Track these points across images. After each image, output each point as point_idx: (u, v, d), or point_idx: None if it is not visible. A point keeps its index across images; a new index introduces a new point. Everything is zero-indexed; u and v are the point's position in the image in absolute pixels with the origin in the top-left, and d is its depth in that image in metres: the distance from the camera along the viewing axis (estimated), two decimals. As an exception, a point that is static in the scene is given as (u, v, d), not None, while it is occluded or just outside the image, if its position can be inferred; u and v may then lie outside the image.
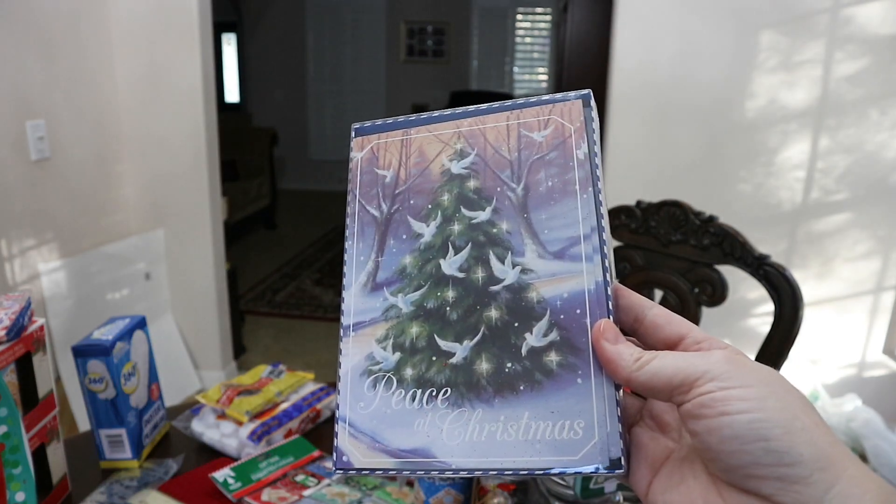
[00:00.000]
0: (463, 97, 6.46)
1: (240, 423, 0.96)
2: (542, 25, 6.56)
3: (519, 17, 6.54)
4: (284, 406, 1.01)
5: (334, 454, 0.36)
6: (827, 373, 2.25)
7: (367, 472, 0.35)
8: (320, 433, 1.02)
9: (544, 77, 6.67)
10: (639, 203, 1.26)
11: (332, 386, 1.09)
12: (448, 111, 0.43)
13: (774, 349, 1.07)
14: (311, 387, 1.07)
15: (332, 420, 1.05)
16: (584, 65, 2.52)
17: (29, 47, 2.02)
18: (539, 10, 6.50)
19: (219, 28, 3.94)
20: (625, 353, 0.33)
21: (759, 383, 0.30)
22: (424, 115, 0.43)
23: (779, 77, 2.04)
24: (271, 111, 6.93)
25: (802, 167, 2.09)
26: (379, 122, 0.44)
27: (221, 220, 2.64)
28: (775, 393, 0.30)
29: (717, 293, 1.14)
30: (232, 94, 6.98)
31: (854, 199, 2.09)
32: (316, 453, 0.93)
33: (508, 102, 0.42)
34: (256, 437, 0.94)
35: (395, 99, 6.90)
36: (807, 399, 0.30)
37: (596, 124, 0.39)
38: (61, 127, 2.17)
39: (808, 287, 2.14)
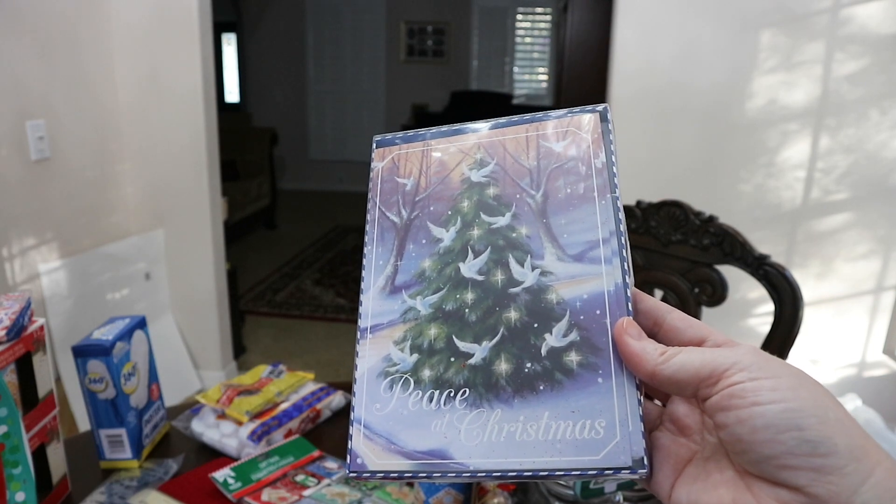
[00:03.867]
0: (463, 97, 6.46)
1: (240, 423, 0.96)
2: (542, 25, 6.56)
3: (519, 17, 6.54)
4: (284, 406, 1.01)
5: (348, 457, 0.36)
6: (827, 373, 2.25)
7: (382, 474, 0.35)
8: (320, 433, 1.02)
9: (544, 77, 6.67)
10: (639, 203, 1.26)
11: (332, 386, 1.09)
12: (468, 125, 0.44)
13: (774, 349, 1.06)
14: (311, 387, 1.07)
15: (332, 420, 1.06)
16: (584, 65, 2.52)
17: (29, 47, 2.02)
18: (539, 10, 6.50)
19: (219, 28, 3.94)
20: (649, 347, 0.33)
21: (789, 375, 0.30)
22: (444, 127, 0.44)
23: (779, 77, 2.04)
24: (271, 111, 6.93)
25: (802, 167, 2.09)
26: (400, 134, 0.45)
27: (221, 220, 2.64)
28: (805, 385, 0.30)
29: (717, 293, 1.14)
30: (232, 94, 6.98)
31: (854, 199, 2.09)
32: (316, 453, 0.93)
33: (527, 116, 0.43)
34: (256, 437, 0.94)
35: (395, 99, 6.90)
36: (833, 394, 0.30)
37: (613, 136, 0.40)
38: (61, 127, 2.17)
39: (808, 287, 2.14)
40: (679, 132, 2.13)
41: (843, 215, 2.11)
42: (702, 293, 1.16)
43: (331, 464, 0.91)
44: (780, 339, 1.06)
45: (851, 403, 2.07)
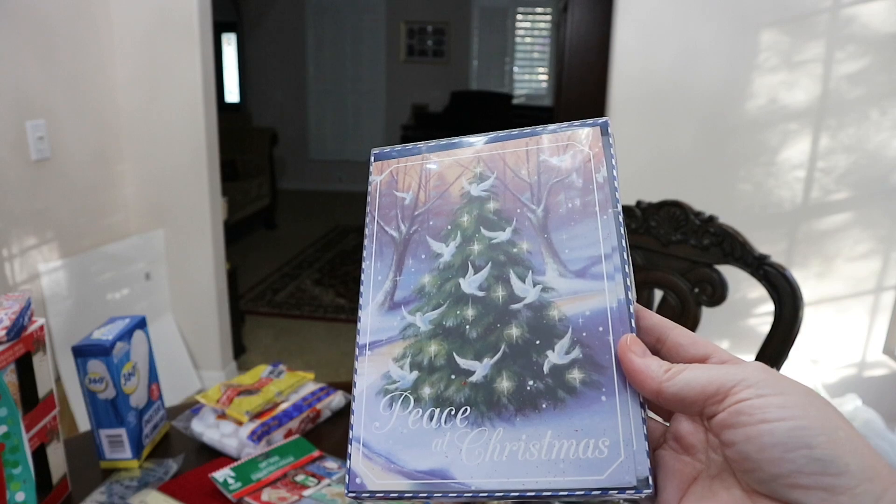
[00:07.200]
0: (463, 97, 6.46)
1: (240, 423, 0.96)
2: (542, 25, 6.56)
3: (519, 17, 6.54)
4: (284, 406, 1.01)
5: (347, 476, 0.35)
6: (827, 373, 2.25)
7: (382, 494, 0.34)
8: (320, 433, 1.02)
9: (544, 77, 6.67)
10: (639, 203, 1.26)
11: (332, 386, 1.09)
12: (465, 138, 0.44)
13: (774, 349, 1.07)
14: (311, 387, 1.07)
15: (332, 420, 1.06)
16: (584, 65, 2.52)
17: (29, 47, 2.02)
18: (539, 10, 6.50)
19: (219, 28, 3.94)
20: (653, 364, 0.33)
21: (797, 392, 0.29)
22: (444, 141, 0.44)
23: (779, 77, 2.04)
24: (271, 111, 6.93)
25: (803, 167, 2.09)
26: (398, 147, 0.45)
27: (221, 220, 2.64)
28: (814, 403, 0.29)
29: (717, 293, 1.14)
30: (232, 94, 6.97)
31: (854, 198, 2.09)
32: (316, 453, 0.93)
33: (527, 129, 0.43)
34: (256, 437, 0.94)
35: (395, 99, 6.90)
36: (842, 414, 0.30)
37: (614, 150, 0.40)
38: (61, 127, 2.17)
39: (808, 287, 2.14)
40: (679, 132, 2.13)
41: (843, 215, 2.11)
42: (702, 293, 1.16)
43: (331, 464, 0.91)
44: (780, 339, 1.06)
45: (851, 403, 2.07)
